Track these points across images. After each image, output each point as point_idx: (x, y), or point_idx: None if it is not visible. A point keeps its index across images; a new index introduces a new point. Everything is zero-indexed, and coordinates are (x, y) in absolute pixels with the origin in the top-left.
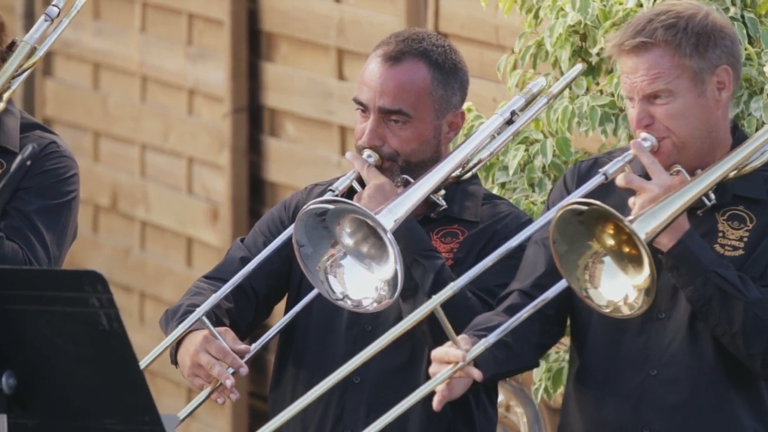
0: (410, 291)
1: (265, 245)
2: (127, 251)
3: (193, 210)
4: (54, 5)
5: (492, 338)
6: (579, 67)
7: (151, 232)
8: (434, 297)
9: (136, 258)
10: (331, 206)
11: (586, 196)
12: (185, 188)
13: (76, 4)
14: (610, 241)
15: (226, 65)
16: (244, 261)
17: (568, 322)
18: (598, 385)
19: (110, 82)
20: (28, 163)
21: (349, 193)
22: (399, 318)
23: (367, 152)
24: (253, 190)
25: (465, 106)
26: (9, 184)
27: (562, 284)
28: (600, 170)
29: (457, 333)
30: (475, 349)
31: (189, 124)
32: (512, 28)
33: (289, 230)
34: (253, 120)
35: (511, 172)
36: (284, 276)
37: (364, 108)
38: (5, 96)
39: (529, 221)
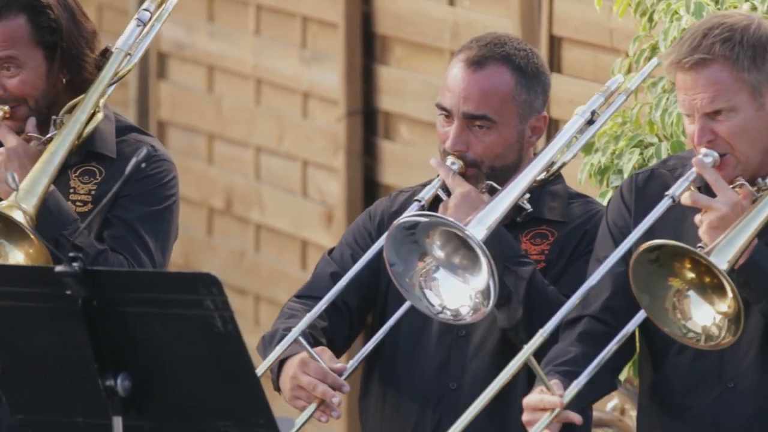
0: (504, 299)
1: (354, 258)
2: (241, 254)
3: (307, 213)
4: (145, 9)
5: (583, 379)
6: (654, 61)
7: (266, 234)
8: (526, 347)
9: (250, 261)
10: (421, 219)
11: (655, 222)
12: (300, 191)
13: (167, 6)
14: (690, 275)
15: (341, 68)
16: (335, 276)
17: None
18: (677, 399)
19: (224, 84)
20: (143, 165)
21: (435, 201)
22: (493, 323)
23: (450, 159)
24: (368, 193)
25: (578, 109)
26: (109, 191)
27: (641, 316)
28: (666, 193)
29: (538, 327)
30: (569, 393)
31: (304, 127)
32: (626, 32)
33: (379, 243)
34: (368, 123)
35: (625, 175)
36: (374, 287)
37: (448, 113)
38: (101, 103)
39: None
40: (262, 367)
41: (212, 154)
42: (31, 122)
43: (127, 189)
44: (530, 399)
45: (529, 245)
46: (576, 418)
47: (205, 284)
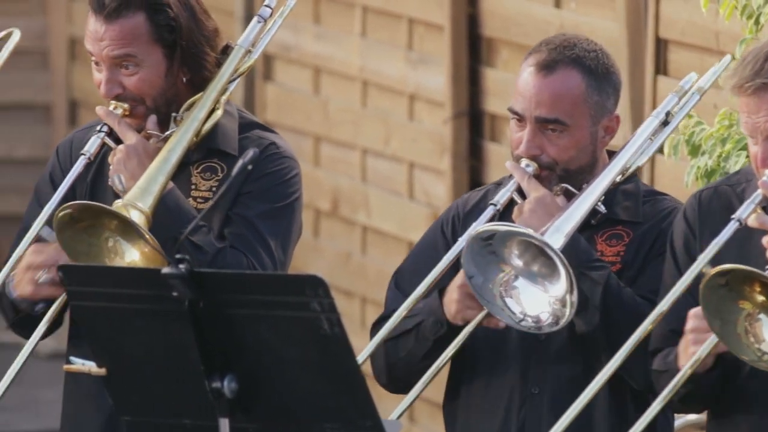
0: (581, 304)
1: (428, 271)
2: (348, 256)
3: (414, 215)
4: (266, 5)
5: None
6: (728, 58)
7: (372, 236)
8: (646, 321)
9: (357, 263)
10: (498, 229)
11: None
12: (406, 193)
13: (289, 3)
14: (761, 298)
15: (447, 70)
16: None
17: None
18: (754, 411)
19: (331, 86)
20: (250, 167)
21: (509, 204)
22: (571, 329)
23: (525, 161)
24: None
25: None
26: (231, 189)
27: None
28: (732, 216)
29: (624, 339)
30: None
31: (410, 129)
32: (733, 34)
33: (453, 251)
34: (474, 125)
35: None
36: None
37: (520, 117)
38: (222, 99)
39: None
40: (365, 351)
41: (319, 156)
42: (152, 120)
43: (248, 186)
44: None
45: (605, 246)
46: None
47: (311, 286)
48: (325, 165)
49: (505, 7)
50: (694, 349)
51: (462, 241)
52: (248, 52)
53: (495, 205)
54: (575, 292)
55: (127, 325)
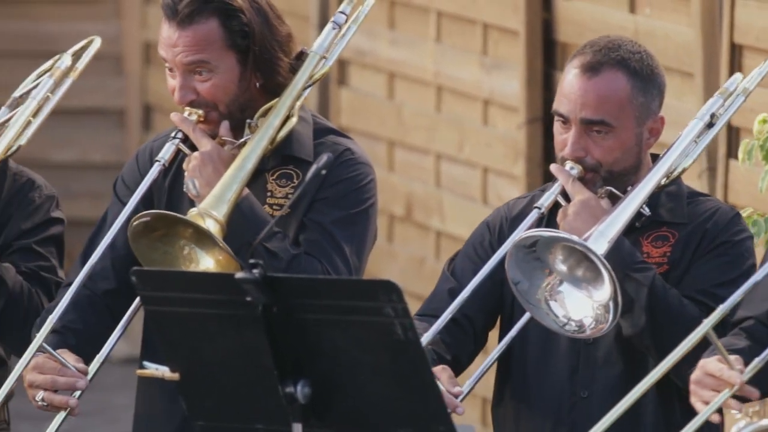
0: (626, 306)
1: (474, 272)
2: (421, 261)
3: None
4: (341, 12)
5: (765, 356)
6: None
7: (446, 242)
8: (705, 321)
9: (430, 268)
10: (542, 235)
11: None
12: (480, 198)
13: (363, 8)
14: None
15: (521, 75)
16: (452, 293)
17: None
18: None
19: (405, 91)
20: (323, 172)
21: (554, 207)
22: (618, 332)
23: (569, 164)
24: None
25: (760, 117)
26: (305, 195)
27: None
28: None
29: (675, 343)
30: (749, 369)
31: (484, 134)
32: None
33: (496, 257)
34: (548, 130)
35: None
36: (498, 298)
37: (565, 119)
38: (296, 106)
39: (737, 216)
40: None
41: (393, 161)
42: (225, 126)
43: (323, 192)
44: (708, 364)
45: (651, 248)
46: (754, 393)
47: (385, 291)
48: (399, 170)
49: (580, 12)
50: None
51: (505, 248)
52: (323, 58)
53: (539, 208)
54: (619, 298)
55: (201, 330)
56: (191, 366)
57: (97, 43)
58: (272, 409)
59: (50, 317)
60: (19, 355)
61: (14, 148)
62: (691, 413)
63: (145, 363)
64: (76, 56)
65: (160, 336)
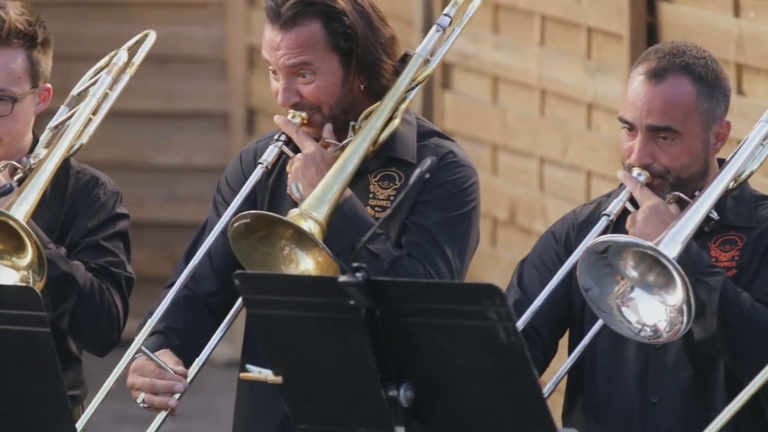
0: (698, 310)
1: (542, 283)
2: None
3: None
4: (445, 14)
5: None
6: None
7: None
8: None
9: None
10: (613, 242)
11: None
12: (584, 202)
13: (468, 12)
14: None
15: (625, 79)
16: (518, 305)
17: None
18: None
19: (509, 95)
20: (427, 176)
21: (622, 214)
22: (687, 337)
23: (636, 170)
24: None
25: None
26: (408, 197)
27: None
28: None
29: (747, 347)
30: None
31: (588, 138)
32: None
33: (568, 264)
34: None
35: None
36: (566, 307)
37: (631, 126)
38: (400, 108)
39: None
40: None
41: (496, 164)
42: (328, 128)
43: (425, 195)
44: None
45: (719, 252)
46: None
47: (488, 295)
48: (503, 174)
49: (684, 16)
50: None
51: (576, 255)
52: (426, 61)
53: (608, 215)
54: (692, 301)
55: (304, 333)
56: (294, 369)
57: (152, 37)
58: (375, 412)
59: (149, 320)
60: (92, 351)
61: (76, 147)
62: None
63: (248, 366)
64: (132, 52)
65: (264, 339)
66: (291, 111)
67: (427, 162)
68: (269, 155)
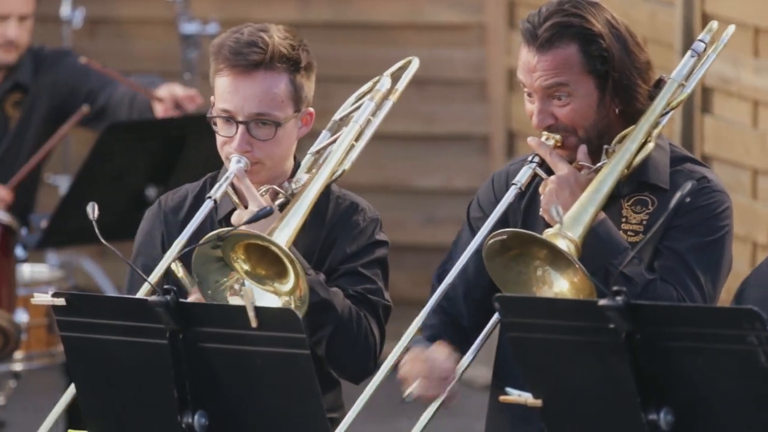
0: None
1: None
2: None
3: None
4: (700, 40)
5: None
6: None
7: None
8: None
9: None
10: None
11: None
12: None
13: (723, 38)
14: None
15: None
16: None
17: None
18: None
19: None
20: (687, 199)
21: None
22: None
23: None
24: None
25: None
26: (665, 223)
27: None
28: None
29: None
30: None
31: None
32: None
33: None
34: None
35: None
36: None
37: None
38: (654, 133)
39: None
40: None
41: (756, 189)
42: (582, 150)
43: (678, 220)
44: None
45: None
46: None
47: (748, 319)
48: (762, 198)
49: None
50: None
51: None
52: (681, 86)
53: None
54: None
55: (563, 357)
56: (553, 392)
57: (415, 64)
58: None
59: (404, 336)
60: (347, 378)
61: (338, 173)
62: None
63: (507, 389)
64: (395, 77)
65: (523, 363)
66: (545, 133)
67: (688, 186)
68: (522, 176)
